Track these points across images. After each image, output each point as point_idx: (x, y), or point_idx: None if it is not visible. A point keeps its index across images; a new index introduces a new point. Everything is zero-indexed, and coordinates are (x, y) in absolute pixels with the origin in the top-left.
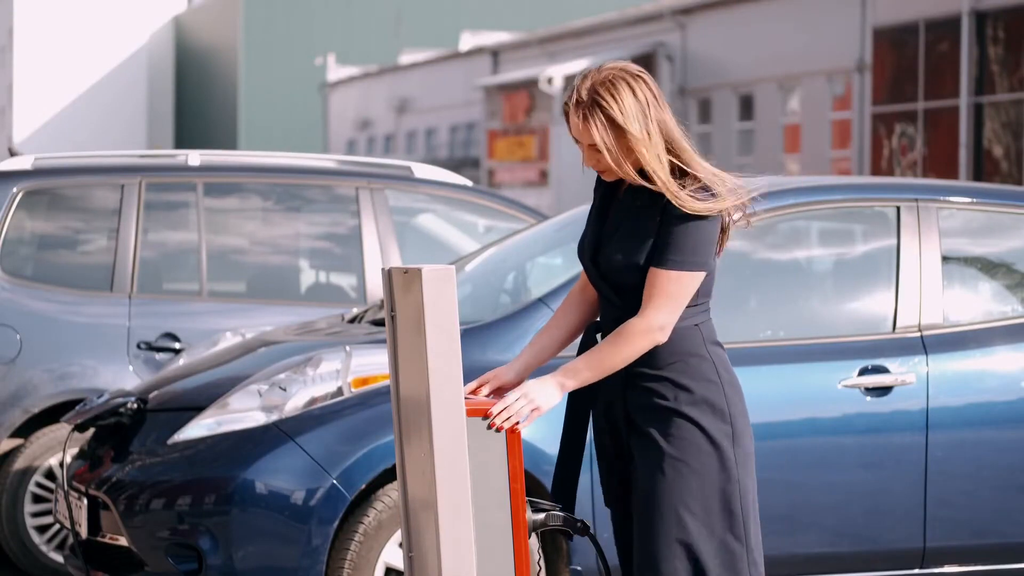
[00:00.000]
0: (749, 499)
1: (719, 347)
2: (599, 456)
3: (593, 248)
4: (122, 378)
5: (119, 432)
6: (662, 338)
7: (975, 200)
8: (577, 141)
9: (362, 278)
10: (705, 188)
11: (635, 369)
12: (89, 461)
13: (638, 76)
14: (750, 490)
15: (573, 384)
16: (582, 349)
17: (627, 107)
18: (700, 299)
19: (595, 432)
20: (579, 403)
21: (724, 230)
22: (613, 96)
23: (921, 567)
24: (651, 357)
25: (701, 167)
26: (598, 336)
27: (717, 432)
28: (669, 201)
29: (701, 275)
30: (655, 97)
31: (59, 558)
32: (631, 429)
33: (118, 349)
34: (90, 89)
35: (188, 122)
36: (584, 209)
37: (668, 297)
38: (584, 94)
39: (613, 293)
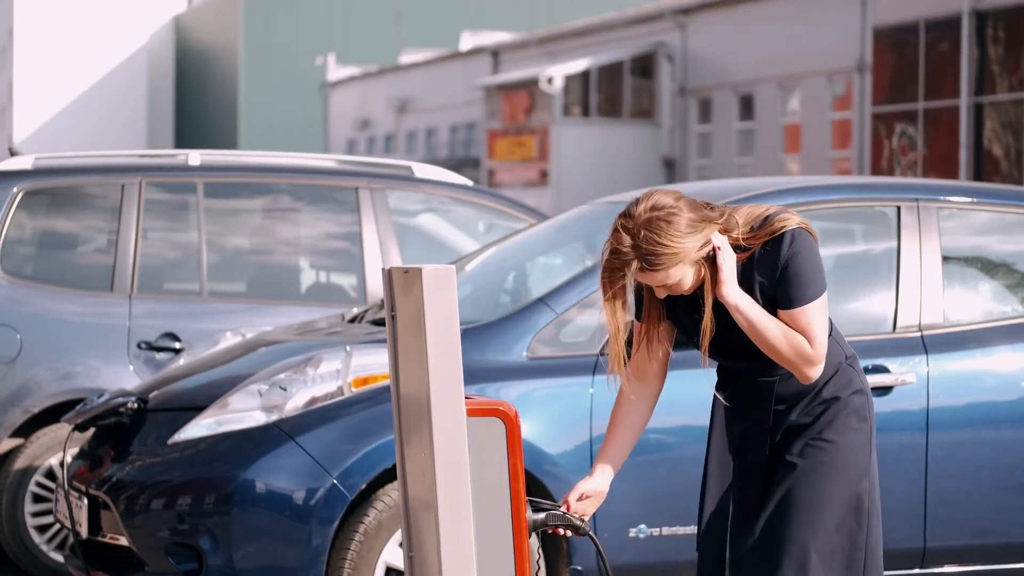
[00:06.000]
0: (876, 492)
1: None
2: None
3: (716, 338)
4: (122, 378)
5: (119, 432)
6: (814, 375)
7: (975, 200)
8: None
9: (362, 278)
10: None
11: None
12: (89, 461)
13: (659, 208)
14: (877, 483)
15: (742, 302)
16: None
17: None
18: None
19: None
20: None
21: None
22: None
23: (921, 567)
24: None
25: (720, 225)
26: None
27: (860, 423)
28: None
29: (825, 298)
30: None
31: (59, 558)
32: (781, 429)
33: (118, 349)
34: (90, 89)
35: (188, 122)
36: (582, 210)
37: (815, 329)
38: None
39: (745, 357)
